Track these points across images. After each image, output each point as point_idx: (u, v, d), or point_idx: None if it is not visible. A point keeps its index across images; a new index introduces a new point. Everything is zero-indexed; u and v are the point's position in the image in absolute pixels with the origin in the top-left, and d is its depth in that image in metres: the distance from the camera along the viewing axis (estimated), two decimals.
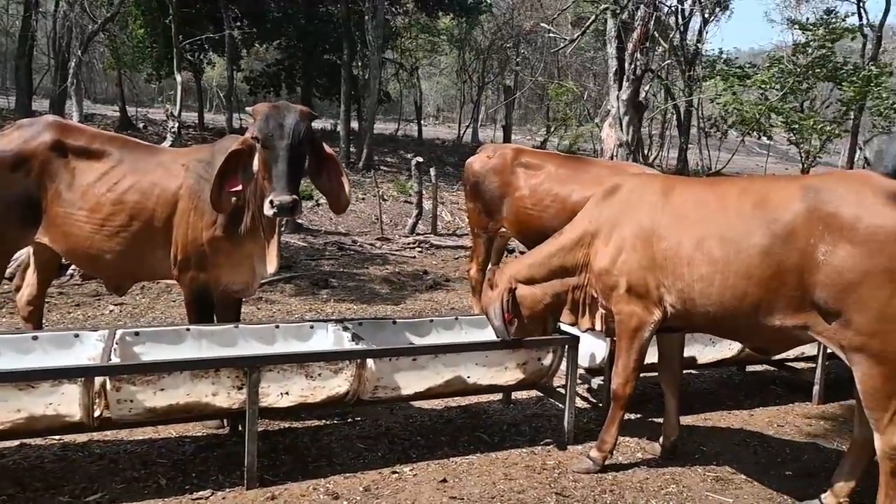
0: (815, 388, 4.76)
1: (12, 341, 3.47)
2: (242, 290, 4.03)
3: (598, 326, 3.73)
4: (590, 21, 10.11)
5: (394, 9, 20.28)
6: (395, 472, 3.49)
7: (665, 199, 3.33)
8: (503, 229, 5.38)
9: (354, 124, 19.05)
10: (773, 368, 5.22)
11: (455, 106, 33.48)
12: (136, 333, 3.67)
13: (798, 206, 2.89)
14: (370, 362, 3.47)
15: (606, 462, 3.58)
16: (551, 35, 13.24)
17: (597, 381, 4.35)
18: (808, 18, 18.58)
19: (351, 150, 16.25)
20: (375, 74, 16.02)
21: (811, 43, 17.51)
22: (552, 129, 21.19)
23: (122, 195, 3.80)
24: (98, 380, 3.03)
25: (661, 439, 3.83)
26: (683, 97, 17.97)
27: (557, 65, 21.30)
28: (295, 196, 3.33)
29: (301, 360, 3.35)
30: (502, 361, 3.79)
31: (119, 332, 3.59)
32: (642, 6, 10.16)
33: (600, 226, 3.56)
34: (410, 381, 3.61)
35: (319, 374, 3.39)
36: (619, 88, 10.53)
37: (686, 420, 4.14)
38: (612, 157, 11.04)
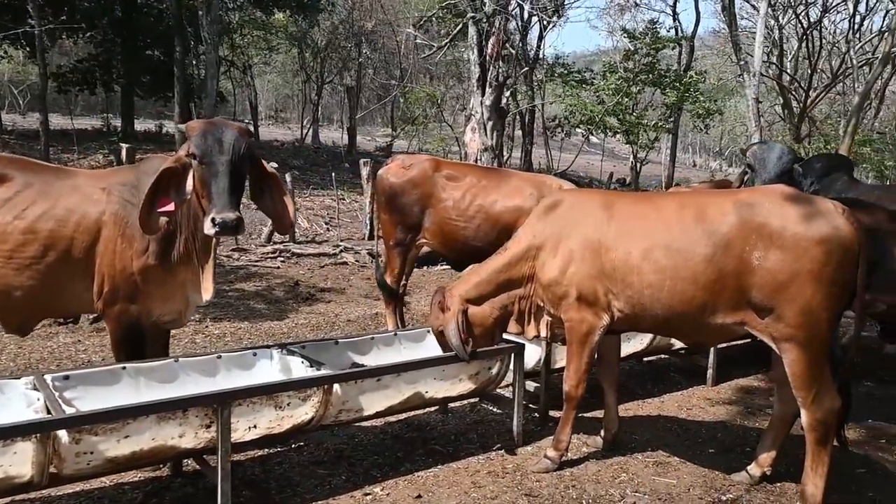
0: (709, 373, 5.48)
1: None
2: (175, 320, 3.88)
3: (543, 333, 4.07)
4: (457, 29, 10.57)
5: (227, 3, 19.60)
6: (367, 495, 3.58)
7: (609, 214, 3.72)
8: (424, 241, 5.57)
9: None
10: (666, 357, 5.90)
11: (289, 106, 32.83)
12: (66, 377, 3.43)
13: (733, 219, 3.38)
14: (336, 386, 3.54)
15: (562, 459, 3.93)
16: (419, 41, 13.57)
17: (531, 385, 4.69)
18: (635, 28, 20.56)
19: None
20: (213, 73, 15.44)
21: (639, 51, 19.50)
22: (398, 131, 21.59)
23: (34, 223, 3.51)
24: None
25: (602, 432, 4.25)
26: (527, 100, 19.19)
27: (400, 66, 21.73)
28: (238, 213, 3.28)
29: (271, 391, 3.34)
30: (457, 374, 3.99)
31: (49, 378, 3.34)
32: (499, 16, 10.80)
33: (545, 239, 3.88)
34: (374, 401, 3.70)
35: (288, 404, 3.40)
36: (483, 94, 11.12)
37: None
38: (476, 161, 11.61)
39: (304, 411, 3.47)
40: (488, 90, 11.06)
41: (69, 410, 3.08)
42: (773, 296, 3.29)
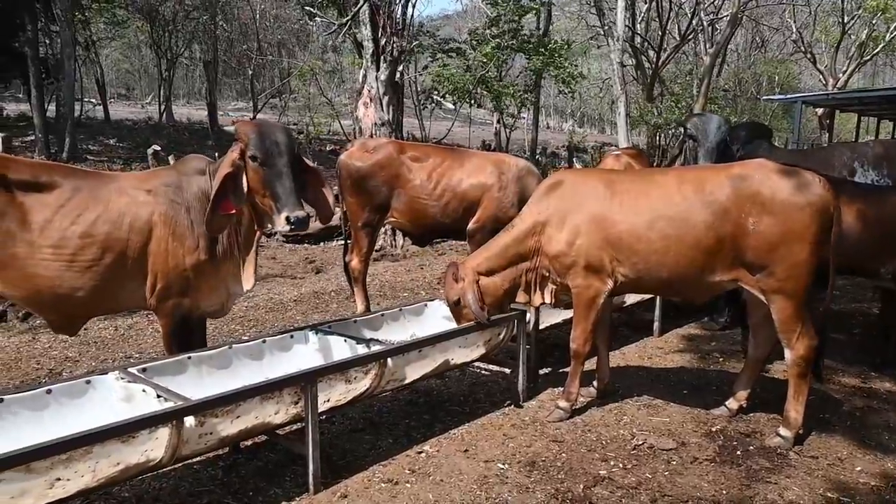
0: (656, 325, 6.66)
1: (26, 399, 3.47)
2: (217, 311, 4.37)
3: (548, 301, 4.93)
4: (357, 7, 11.02)
5: None
6: (420, 453, 4.29)
7: (611, 191, 4.59)
8: (392, 220, 6.25)
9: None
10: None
11: (130, 82, 31.25)
12: (144, 369, 3.87)
13: (729, 190, 4.29)
14: (389, 359, 4.22)
15: (573, 409, 4.85)
16: (318, 19, 13.74)
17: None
18: None
19: (50, 138, 14.79)
20: (69, 53, 14.77)
21: (503, 16, 20.76)
22: (262, 106, 21.45)
23: (91, 227, 3.87)
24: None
25: (594, 383, 5.21)
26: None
27: (257, 37, 21.51)
28: (306, 210, 3.92)
29: (344, 368, 3.96)
30: (476, 341, 4.78)
31: (134, 370, 3.77)
32: None
33: (550, 216, 4.71)
34: (414, 370, 4.41)
35: (355, 377, 4.05)
36: (378, 69, 11.73)
37: None
38: (371, 136, 12.26)
39: (364, 384, 4.12)
40: (383, 65, 11.66)
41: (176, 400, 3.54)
42: (765, 255, 4.21)
